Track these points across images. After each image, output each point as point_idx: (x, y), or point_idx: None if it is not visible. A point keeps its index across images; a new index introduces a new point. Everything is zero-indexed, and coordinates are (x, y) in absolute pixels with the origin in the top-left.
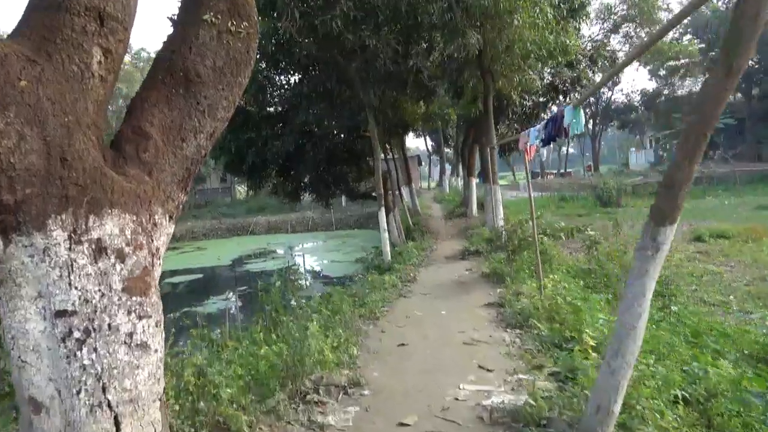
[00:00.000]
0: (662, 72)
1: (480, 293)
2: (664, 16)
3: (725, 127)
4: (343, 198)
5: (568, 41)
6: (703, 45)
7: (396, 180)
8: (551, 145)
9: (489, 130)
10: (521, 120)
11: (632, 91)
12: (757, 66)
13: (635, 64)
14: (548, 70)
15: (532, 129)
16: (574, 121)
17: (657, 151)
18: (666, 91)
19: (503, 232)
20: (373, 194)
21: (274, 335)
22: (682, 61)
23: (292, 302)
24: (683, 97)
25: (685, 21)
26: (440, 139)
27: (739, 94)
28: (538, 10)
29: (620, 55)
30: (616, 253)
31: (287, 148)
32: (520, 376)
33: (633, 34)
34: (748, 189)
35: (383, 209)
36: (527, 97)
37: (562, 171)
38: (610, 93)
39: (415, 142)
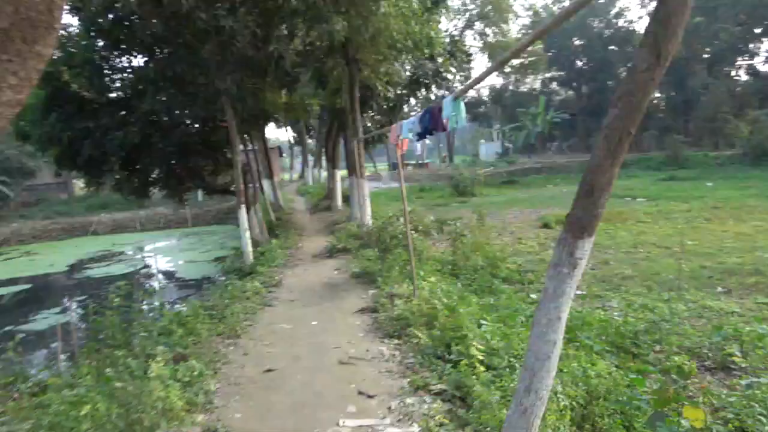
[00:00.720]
0: (507, 69)
1: (352, 297)
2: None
3: (561, 121)
4: (200, 192)
5: (432, 33)
6: (541, 45)
7: (257, 173)
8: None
9: (354, 121)
10: (384, 112)
11: (482, 86)
12: (586, 66)
13: (485, 59)
14: (411, 63)
15: (404, 122)
16: (453, 114)
17: (504, 143)
18: (511, 87)
19: (372, 229)
20: (232, 189)
21: (108, 374)
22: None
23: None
24: (525, 93)
25: (529, 21)
26: (302, 129)
27: (571, 92)
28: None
29: (474, 51)
30: (479, 244)
31: (131, 140)
32: (406, 400)
33: (488, 32)
34: (580, 178)
35: (243, 206)
36: (391, 89)
37: (420, 162)
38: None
39: (276, 133)
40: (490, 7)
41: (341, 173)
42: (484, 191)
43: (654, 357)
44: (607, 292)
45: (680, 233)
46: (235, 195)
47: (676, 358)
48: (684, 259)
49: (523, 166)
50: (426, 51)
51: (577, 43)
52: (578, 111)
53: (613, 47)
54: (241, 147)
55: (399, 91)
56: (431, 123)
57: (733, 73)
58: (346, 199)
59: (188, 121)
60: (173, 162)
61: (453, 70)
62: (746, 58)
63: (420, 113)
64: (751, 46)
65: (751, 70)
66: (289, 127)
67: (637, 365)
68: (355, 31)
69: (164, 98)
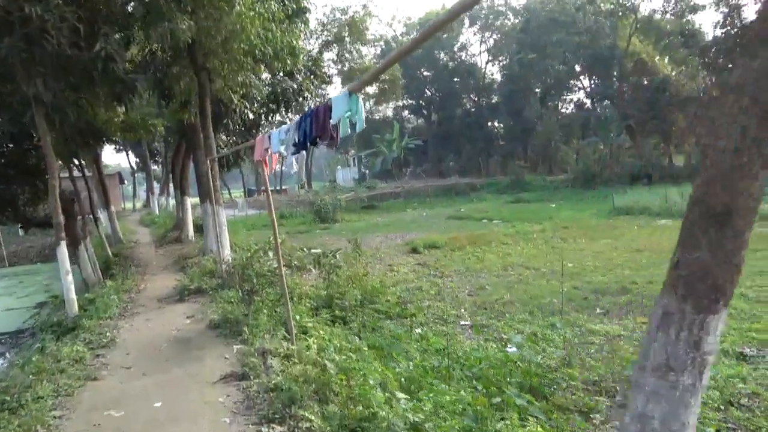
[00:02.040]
0: (363, 95)
1: (211, 356)
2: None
3: (414, 147)
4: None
5: (294, 42)
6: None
7: (90, 202)
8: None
9: (208, 137)
10: (240, 133)
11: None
12: (435, 95)
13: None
14: (269, 79)
15: (273, 132)
16: (348, 113)
17: (360, 169)
18: (366, 114)
19: (232, 265)
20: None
21: None
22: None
23: None
24: (379, 120)
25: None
26: (145, 153)
27: (421, 119)
28: None
29: (332, 71)
30: (356, 276)
31: None
32: None
33: (345, 53)
34: (436, 201)
35: (63, 243)
36: (248, 106)
37: (279, 188)
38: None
39: (117, 158)
40: (346, 30)
41: (192, 201)
42: (345, 217)
43: (564, 397)
44: (492, 320)
45: (544, 254)
46: (60, 228)
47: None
48: (553, 280)
49: (382, 191)
50: (288, 62)
51: (426, 73)
52: (429, 138)
53: (457, 78)
54: (66, 172)
55: (255, 110)
56: (314, 129)
57: (560, 105)
58: (199, 229)
59: None
60: None
61: (312, 88)
62: (571, 92)
63: (296, 120)
64: (572, 82)
65: (576, 103)
66: (130, 152)
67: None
68: (204, 33)
69: None
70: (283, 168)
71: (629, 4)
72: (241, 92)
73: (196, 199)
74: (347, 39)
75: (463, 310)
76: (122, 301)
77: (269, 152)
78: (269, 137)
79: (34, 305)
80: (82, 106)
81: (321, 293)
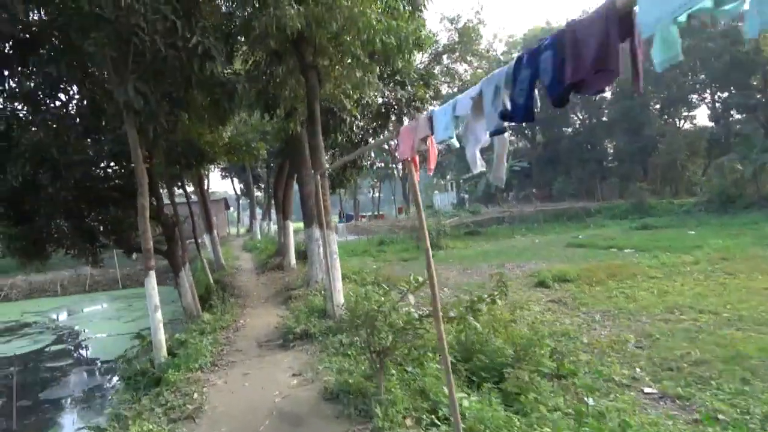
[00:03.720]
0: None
1: None
2: (483, 47)
3: (520, 169)
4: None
5: (421, 30)
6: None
7: (193, 226)
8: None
9: (317, 148)
10: (347, 149)
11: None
12: (541, 115)
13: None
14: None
15: (436, 110)
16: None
17: (459, 194)
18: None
19: (349, 308)
20: (164, 248)
21: None
22: None
23: None
24: None
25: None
26: (249, 178)
27: (524, 141)
28: None
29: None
30: (501, 322)
31: (10, 183)
32: None
33: (453, 67)
34: (546, 227)
35: (152, 274)
36: (358, 117)
37: (376, 213)
38: None
39: (223, 185)
40: (457, 39)
41: (295, 225)
42: (450, 243)
43: None
44: (689, 389)
45: (713, 293)
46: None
47: None
48: (745, 329)
49: (486, 216)
50: (414, 55)
51: None
52: (534, 160)
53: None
54: (173, 196)
55: (365, 124)
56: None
57: (682, 121)
58: (302, 255)
59: (94, 157)
60: (76, 212)
61: (427, 97)
62: (693, 107)
63: (494, 74)
64: (697, 95)
65: (710, 117)
66: (235, 178)
67: None
68: (315, 21)
69: (44, 122)
70: (381, 194)
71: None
72: (355, 96)
73: (300, 224)
74: (458, 48)
75: (638, 369)
76: (217, 343)
77: (428, 143)
78: (429, 119)
79: (137, 333)
80: (178, 116)
81: (451, 341)
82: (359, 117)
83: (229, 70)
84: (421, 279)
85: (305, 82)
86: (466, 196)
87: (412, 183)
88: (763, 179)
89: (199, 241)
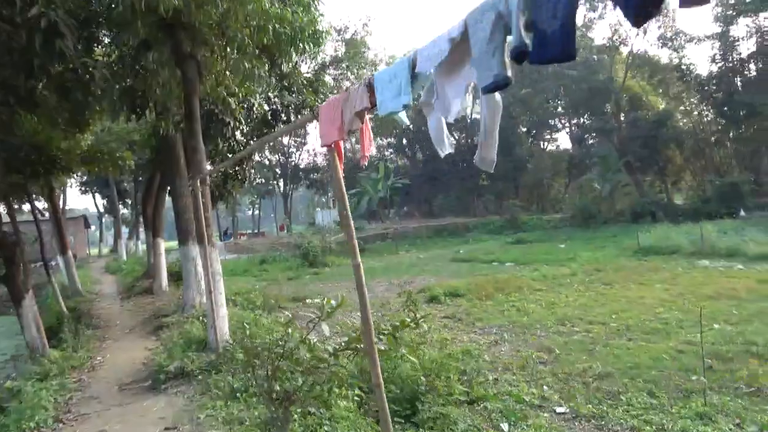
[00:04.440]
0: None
1: None
2: (371, 57)
3: (402, 186)
4: None
5: (317, 25)
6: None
7: (41, 246)
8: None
9: (197, 150)
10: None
11: (318, 152)
12: (421, 134)
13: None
14: (270, 93)
15: (379, 72)
16: None
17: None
18: (349, 153)
19: (242, 342)
20: (1, 272)
21: None
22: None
23: None
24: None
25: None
26: (113, 194)
27: (406, 159)
28: None
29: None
30: (412, 345)
31: None
32: None
33: (343, 76)
34: (428, 243)
35: None
36: (245, 120)
37: (256, 231)
38: (298, 153)
39: (83, 201)
40: (343, 50)
41: (166, 244)
42: (335, 260)
43: None
44: (601, 407)
45: (597, 303)
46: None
47: None
48: (635, 339)
49: (370, 232)
50: (310, 47)
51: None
52: (413, 178)
53: None
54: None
55: (250, 128)
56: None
57: (546, 143)
58: (177, 278)
59: None
60: None
61: (317, 102)
62: (556, 130)
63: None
64: (560, 119)
65: (573, 137)
66: (97, 194)
67: None
68: (195, 2)
69: None
70: (260, 212)
71: (621, 38)
72: (240, 95)
73: (172, 243)
74: (345, 58)
75: (545, 387)
76: (65, 389)
77: (364, 122)
78: (368, 86)
79: None
80: (14, 110)
81: (351, 369)
82: (243, 121)
83: (85, 60)
84: (334, 302)
85: (181, 75)
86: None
87: (336, 178)
88: (617, 197)
89: (53, 263)
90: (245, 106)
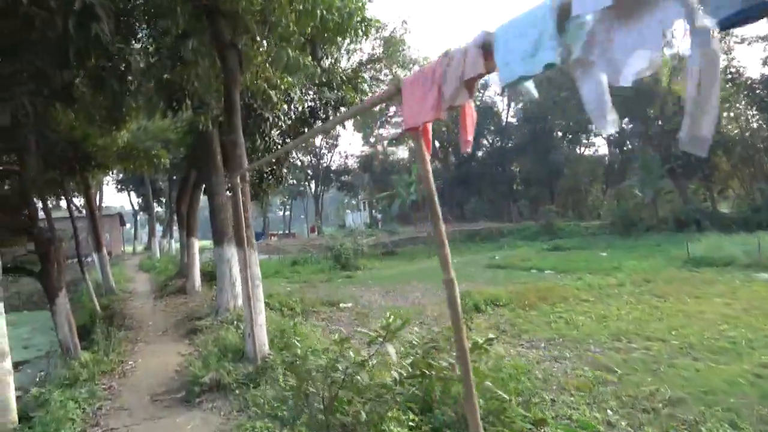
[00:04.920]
0: (372, 139)
1: None
2: (409, 58)
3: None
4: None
5: (365, 9)
6: None
7: (76, 244)
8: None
9: (236, 145)
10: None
11: (350, 155)
12: (454, 137)
13: (350, 128)
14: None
15: (501, 25)
16: None
17: (372, 213)
18: (381, 156)
19: (268, 351)
20: (36, 268)
21: None
22: (392, 130)
23: None
24: (394, 162)
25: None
26: (148, 192)
27: (437, 162)
28: None
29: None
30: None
31: None
32: None
33: (380, 75)
34: (462, 247)
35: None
36: (285, 112)
37: (287, 232)
38: (330, 155)
39: (119, 200)
40: (381, 50)
41: (200, 244)
42: (367, 264)
43: None
44: None
45: (652, 317)
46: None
47: None
48: (704, 359)
49: (402, 236)
50: (359, 36)
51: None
52: (445, 181)
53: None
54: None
55: (290, 124)
56: None
57: (583, 148)
58: (208, 277)
59: None
60: None
61: (356, 99)
62: (595, 135)
63: None
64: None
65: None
66: (132, 192)
67: None
68: None
69: None
70: (291, 213)
71: (667, 39)
72: (282, 87)
73: (205, 242)
74: (384, 58)
75: (610, 412)
76: (94, 397)
77: (474, 91)
78: (482, 45)
79: None
80: (50, 101)
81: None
82: (284, 116)
83: (122, 46)
84: (398, 319)
85: (222, 65)
86: (379, 215)
87: (424, 170)
88: (659, 204)
89: (89, 260)
90: (285, 100)
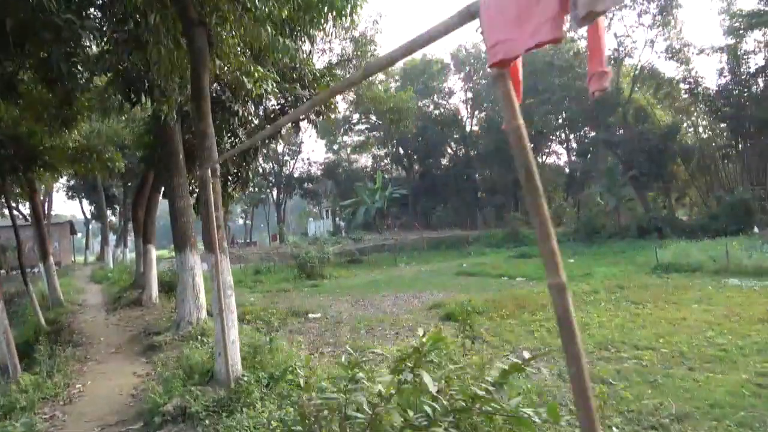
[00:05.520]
0: (336, 146)
1: None
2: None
3: (399, 197)
4: None
5: None
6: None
7: (19, 252)
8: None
9: (206, 135)
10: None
11: (312, 162)
12: (419, 145)
13: (314, 135)
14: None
15: None
16: None
17: (335, 221)
18: (345, 163)
19: (241, 372)
20: None
21: None
22: (356, 138)
23: None
24: (359, 169)
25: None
26: (101, 199)
27: (402, 171)
28: None
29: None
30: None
31: None
32: None
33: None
34: (427, 255)
35: None
36: (255, 107)
37: (248, 240)
38: (293, 162)
39: (70, 208)
40: (351, 50)
41: (159, 252)
42: (333, 272)
43: None
44: None
45: (635, 324)
46: None
47: None
48: (697, 369)
49: (368, 243)
50: (342, 20)
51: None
52: (411, 188)
53: (439, 127)
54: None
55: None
56: None
57: (544, 156)
58: (168, 289)
59: None
60: None
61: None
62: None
63: None
64: (560, 132)
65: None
66: (84, 200)
67: None
68: None
69: None
70: (252, 221)
71: (627, 49)
72: (255, 76)
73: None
74: (354, 58)
75: (616, 430)
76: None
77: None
78: None
79: None
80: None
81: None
82: (256, 107)
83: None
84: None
85: (188, 46)
86: (343, 223)
87: (515, 127)
88: (621, 211)
89: (35, 270)
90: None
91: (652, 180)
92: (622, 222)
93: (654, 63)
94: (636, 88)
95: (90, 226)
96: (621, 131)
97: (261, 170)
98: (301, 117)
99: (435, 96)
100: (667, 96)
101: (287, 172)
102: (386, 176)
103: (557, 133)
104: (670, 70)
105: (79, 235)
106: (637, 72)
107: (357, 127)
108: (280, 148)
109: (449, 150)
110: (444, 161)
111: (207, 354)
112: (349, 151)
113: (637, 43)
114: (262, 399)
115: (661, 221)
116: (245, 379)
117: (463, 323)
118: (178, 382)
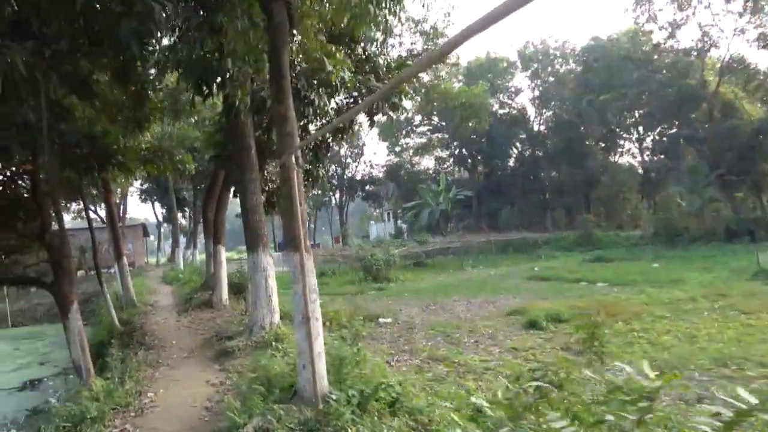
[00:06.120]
0: (398, 148)
1: None
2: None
3: (464, 199)
4: None
5: None
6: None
7: (94, 253)
8: None
9: (286, 118)
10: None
11: (375, 164)
12: (483, 145)
13: (376, 137)
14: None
15: None
16: None
17: (397, 223)
18: (408, 165)
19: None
20: (48, 279)
21: None
22: (418, 140)
23: None
24: (421, 171)
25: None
26: (172, 201)
27: (463, 171)
28: None
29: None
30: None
31: None
32: None
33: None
34: (494, 259)
35: None
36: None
37: (312, 242)
38: (355, 164)
39: (143, 211)
40: (422, 43)
41: (229, 254)
42: (400, 275)
43: None
44: None
45: (752, 338)
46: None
47: None
48: None
49: (432, 246)
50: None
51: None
52: (474, 191)
53: (504, 127)
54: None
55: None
56: None
57: (617, 155)
58: (238, 291)
59: None
60: None
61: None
62: (629, 141)
63: None
64: (637, 129)
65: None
66: (156, 203)
67: None
68: None
69: None
70: (315, 224)
71: (713, 40)
72: (338, 56)
73: (231, 253)
74: (424, 51)
75: None
76: None
77: None
78: None
79: (20, 385)
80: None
81: None
82: (328, 99)
83: None
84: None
85: (267, 22)
86: (404, 226)
87: None
88: (706, 213)
89: (111, 271)
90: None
91: (740, 179)
92: (707, 224)
93: (743, 53)
94: (723, 81)
95: (161, 229)
96: (706, 127)
97: (323, 173)
98: (374, 108)
99: (500, 95)
100: (758, 88)
101: (349, 175)
102: (449, 178)
103: (631, 131)
104: (762, 60)
105: (152, 237)
106: (724, 62)
107: (419, 129)
108: (342, 151)
109: (515, 150)
110: (510, 162)
111: (286, 365)
112: (411, 153)
113: (725, 32)
114: (353, 422)
115: (753, 223)
116: (333, 397)
117: (591, 337)
118: (258, 397)
